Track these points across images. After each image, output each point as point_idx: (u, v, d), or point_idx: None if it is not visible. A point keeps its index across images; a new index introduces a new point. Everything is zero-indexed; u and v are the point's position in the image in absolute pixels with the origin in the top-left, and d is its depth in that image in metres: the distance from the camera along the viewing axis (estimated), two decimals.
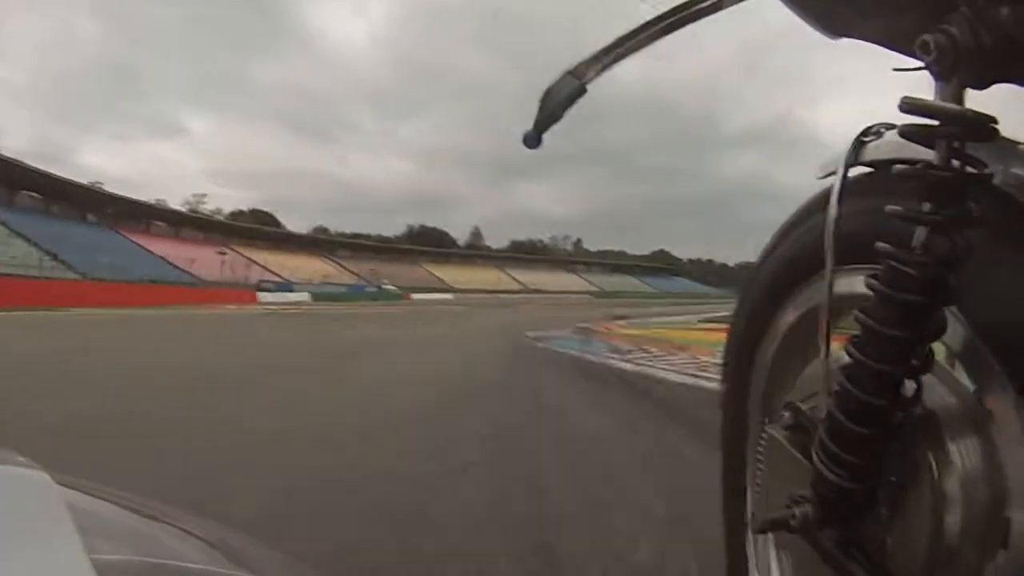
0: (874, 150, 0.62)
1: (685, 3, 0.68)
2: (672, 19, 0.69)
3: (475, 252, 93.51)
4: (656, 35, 0.69)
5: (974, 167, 0.49)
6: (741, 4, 0.69)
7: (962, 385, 0.53)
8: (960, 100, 0.49)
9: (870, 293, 0.53)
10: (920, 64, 0.50)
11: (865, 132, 0.63)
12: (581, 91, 0.70)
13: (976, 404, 0.52)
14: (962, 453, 0.51)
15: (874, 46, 0.63)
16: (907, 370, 0.52)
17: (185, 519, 0.43)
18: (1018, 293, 0.48)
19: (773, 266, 0.77)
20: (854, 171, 0.63)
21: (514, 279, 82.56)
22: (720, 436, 0.87)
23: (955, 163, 0.49)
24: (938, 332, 0.51)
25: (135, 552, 0.36)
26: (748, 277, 0.84)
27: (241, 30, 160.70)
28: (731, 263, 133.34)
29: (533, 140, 0.71)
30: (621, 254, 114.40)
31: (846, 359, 0.55)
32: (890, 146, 0.60)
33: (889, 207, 0.51)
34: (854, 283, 0.60)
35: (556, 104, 0.69)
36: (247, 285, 41.22)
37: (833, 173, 0.63)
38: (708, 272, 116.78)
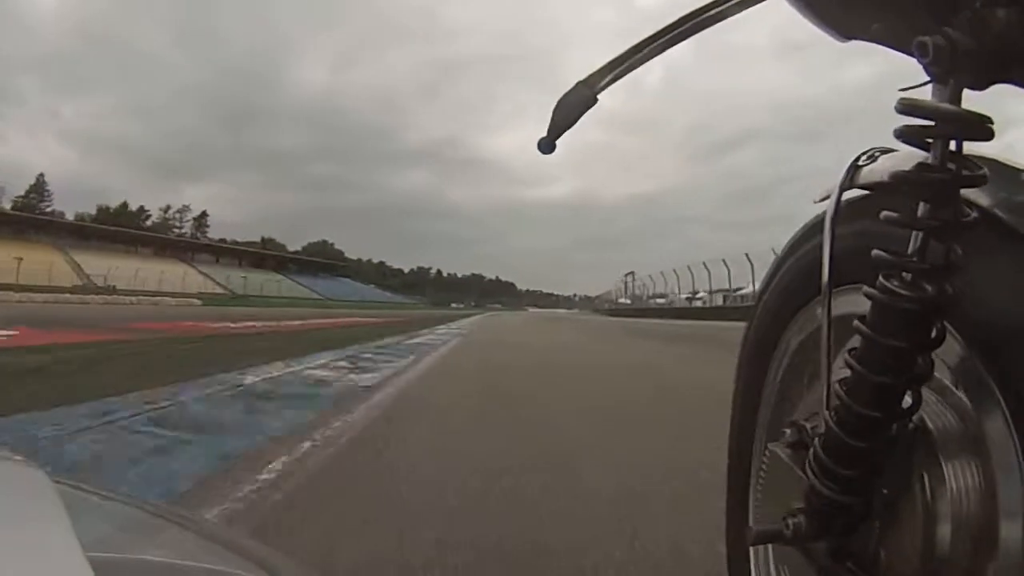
0: (869, 173, 0.63)
1: (693, 12, 0.70)
2: (681, 28, 0.70)
3: (21, 216, 60.43)
4: (665, 45, 0.71)
5: (970, 169, 0.49)
6: (749, 9, 0.69)
7: (958, 397, 0.53)
8: (957, 102, 0.49)
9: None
10: (926, 80, 0.50)
11: (860, 156, 0.65)
12: (592, 101, 0.72)
13: (970, 416, 0.51)
14: (954, 466, 0.51)
15: (883, 48, 0.62)
16: (903, 381, 0.52)
17: (181, 517, 0.43)
18: (1007, 305, 0.49)
19: (778, 288, 0.80)
20: (854, 193, 0.64)
21: (77, 267, 54.96)
22: (727, 456, 0.88)
23: (951, 166, 0.49)
24: (935, 342, 0.51)
25: (131, 550, 0.35)
26: (755, 300, 0.85)
27: None
28: (406, 269, 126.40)
29: (547, 146, 0.73)
30: (270, 242, 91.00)
31: (846, 373, 0.55)
32: (887, 168, 0.60)
33: (884, 213, 0.52)
34: (856, 301, 0.61)
35: (568, 113, 0.72)
36: None
37: (829, 197, 0.65)
38: (383, 275, 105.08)
